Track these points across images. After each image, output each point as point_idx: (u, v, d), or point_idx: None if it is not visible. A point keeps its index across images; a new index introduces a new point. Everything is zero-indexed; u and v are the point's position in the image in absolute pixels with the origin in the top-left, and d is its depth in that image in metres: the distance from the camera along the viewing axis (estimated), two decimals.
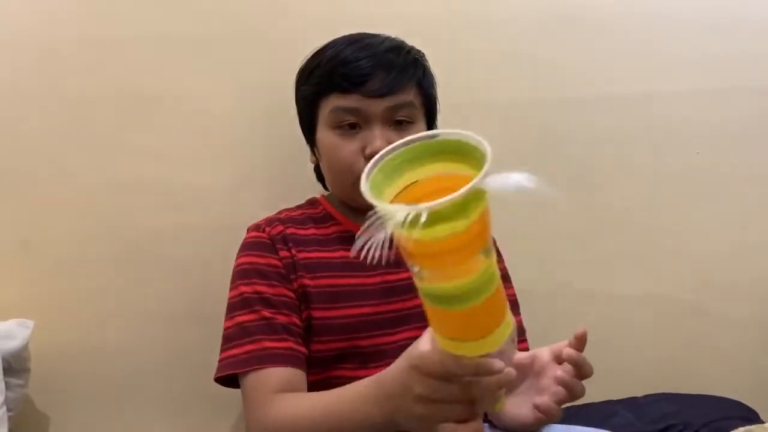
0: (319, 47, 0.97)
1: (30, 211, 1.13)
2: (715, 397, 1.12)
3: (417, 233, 0.50)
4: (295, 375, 0.84)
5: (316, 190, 1.09)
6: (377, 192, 0.56)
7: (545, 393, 0.74)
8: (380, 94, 0.91)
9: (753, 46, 1.23)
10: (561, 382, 0.71)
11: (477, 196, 0.53)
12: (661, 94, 1.23)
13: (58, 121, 1.14)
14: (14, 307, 1.07)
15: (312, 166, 1.06)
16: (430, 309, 0.59)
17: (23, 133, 1.14)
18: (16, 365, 1.02)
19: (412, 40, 1.00)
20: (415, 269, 0.56)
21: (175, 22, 1.16)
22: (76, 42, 1.14)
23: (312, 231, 0.96)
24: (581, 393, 0.73)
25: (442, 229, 0.51)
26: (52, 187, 1.14)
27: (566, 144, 1.22)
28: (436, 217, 0.51)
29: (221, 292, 0.94)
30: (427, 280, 0.56)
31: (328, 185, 1.02)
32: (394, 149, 0.58)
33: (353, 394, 0.74)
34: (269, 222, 0.96)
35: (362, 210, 0.93)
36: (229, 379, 0.87)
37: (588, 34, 1.23)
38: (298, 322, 0.88)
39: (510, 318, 0.61)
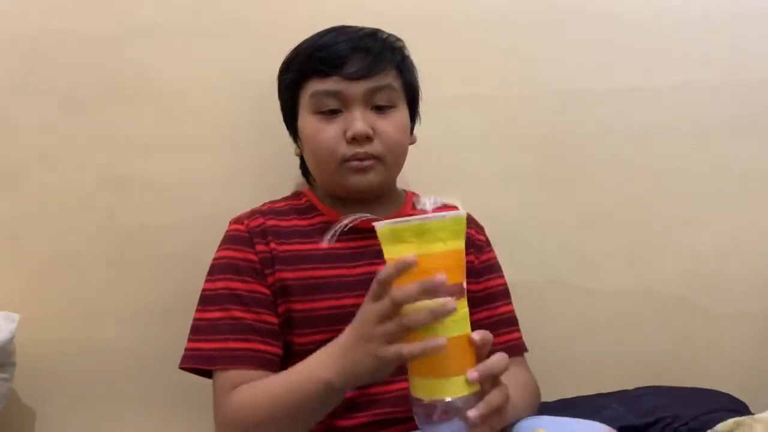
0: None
1: (19, 205, 1.13)
2: (704, 389, 1.13)
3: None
4: (258, 376, 0.86)
5: (303, 183, 1.09)
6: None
7: None
8: (359, 76, 0.91)
9: (747, 40, 1.23)
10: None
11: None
12: (653, 88, 1.23)
13: (46, 115, 1.13)
14: (0, 300, 1.06)
15: (297, 160, 1.06)
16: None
17: (12, 127, 1.13)
18: (1, 359, 1.01)
19: (401, 34, 1.00)
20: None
21: (163, 16, 1.15)
22: (64, 35, 1.13)
23: (294, 222, 0.96)
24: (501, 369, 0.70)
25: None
26: (40, 182, 1.13)
27: (556, 138, 1.22)
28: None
29: None
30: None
31: (311, 173, 1.02)
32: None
33: (306, 364, 0.78)
34: (251, 214, 0.97)
35: (345, 199, 0.96)
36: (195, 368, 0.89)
37: (579, 28, 1.23)
38: (270, 319, 0.89)
39: (475, 386, 0.67)
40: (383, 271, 0.68)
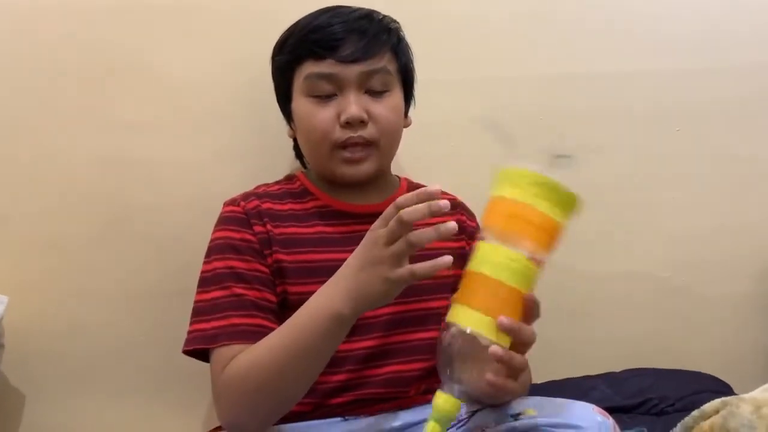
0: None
1: (7, 186, 1.11)
2: (690, 371, 1.15)
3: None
4: None
5: (296, 167, 1.09)
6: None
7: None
8: (354, 59, 0.90)
9: (735, 26, 1.24)
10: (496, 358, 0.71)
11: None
12: (641, 72, 1.23)
13: (35, 95, 1.11)
14: None
15: (291, 142, 1.05)
16: (473, 274, 0.70)
17: (1, 105, 1.11)
18: None
19: (396, 15, 0.99)
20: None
21: None
22: (54, 12, 1.11)
23: (289, 206, 0.95)
24: (521, 365, 0.73)
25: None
26: (29, 162, 1.11)
27: (545, 122, 1.22)
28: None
29: (200, 268, 0.92)
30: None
31: (305, 156, 1.02)
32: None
33: (307, 304, 0.77)
34: (245, 197, 0.95)
35: (339, 184, 0.95)
36: (198, 352, 0.87)
37: (570, 13, 1.22)
38: (271, 297, 0.88)
39: (503, 338, 0.69)
40: (402, 197, 0.70)
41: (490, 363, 0.69)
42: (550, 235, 0.71)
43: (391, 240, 0.69)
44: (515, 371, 0.73)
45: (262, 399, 0.78)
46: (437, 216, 0.68)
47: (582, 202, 0.72)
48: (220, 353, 0.83)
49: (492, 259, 0.70)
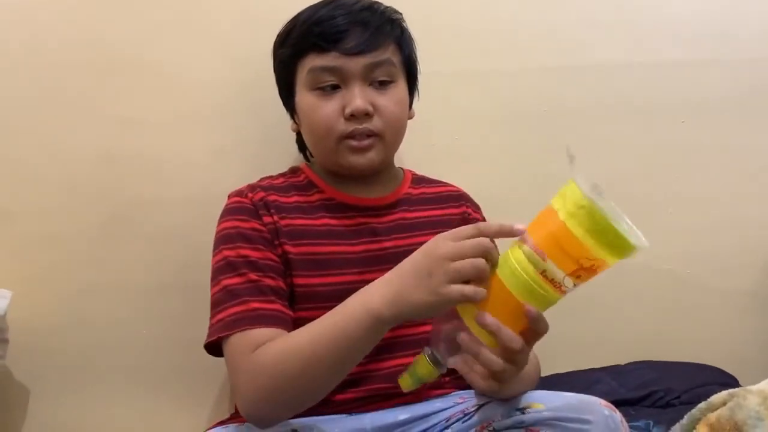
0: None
1: (9, 182, 1.11)
2: (695, 364, 1.15)
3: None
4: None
5: (299, 160, 1.08)
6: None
7: None
8: (357, 51, 0.89)
9: (742, 17, 1.23)
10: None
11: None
12: (646, 64, 1.23)
13: (37, 91, 1.11)
14: None
15: (294, 136, 1.05)
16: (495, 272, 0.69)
17: (1, 105, 1.10)
18: None
19: (399, 6, 0.98)
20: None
21: None
22: (55, 6, 1.10)
23: (295, 198, 0.94)
24: (545, 329, 0.72)
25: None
26: (31, 158, 1.11)
27: (548, 114, 1.21)
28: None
29: (204, 261, 0.92)
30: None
31: (309, 150, 1.01)
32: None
33: (346, 302, 0.75)
34: (251, 188, 0.94)
35: (343, 176, 0.95)
36: (218, 348, 0.85)
37: (575, 4, 1.22)
38: (284, 286, 0.86)
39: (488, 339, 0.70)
40: (487, 224, 0.71)
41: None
42: (586, 270, 0.66)
43: (458, 257, 0.68)
44: (494, 372, 0.71)
45: (294, 387, 0.76)
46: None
47: (637, 250, 0.65)
48: (243, 338, 0.80)
49: (510, 265, 0.68)
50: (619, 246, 0.64)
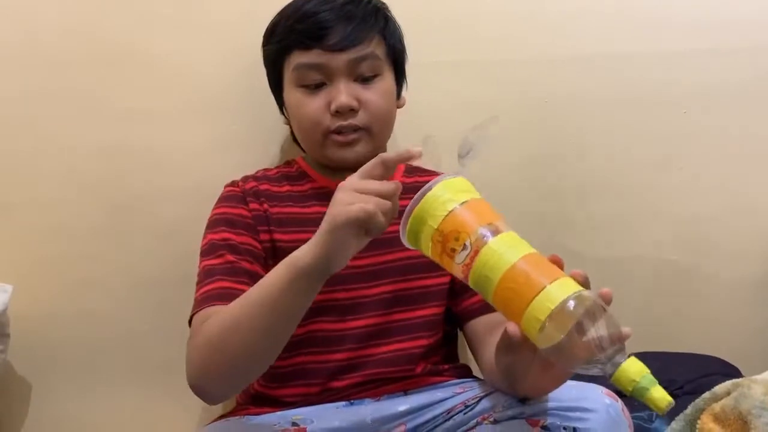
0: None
1: (9, 175, 1.11)
2: (698, 355, 1.14)
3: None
4: None
5: (300, 152, 1.08)
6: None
7: None
8: (341, 48, 0.90)
9: (744, 6, 1.22)
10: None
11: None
12: (647, 54, 1.22)
13: (36, 84, 1.12)
14: None
15: (288, 128, 1.05)
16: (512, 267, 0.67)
17: (1, 95, 1.11)
18: None
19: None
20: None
21: None
22: (53, 1, 1.11)
23: (287, 188, 0.97)
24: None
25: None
26: (31, 152, 1.12)
27: (549, 104, 1.21)
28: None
29: None
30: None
31: (300, 144, 1.02)
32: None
33: (278, 265, 0.74)
34: (245, 179, 0.98)
35: (336, 168, 0.94)
36: None
37: None
38: (261, 272, 0.87)
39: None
40: (387, 153, 0.72)
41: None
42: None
43: (362, 186, 0.69)
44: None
45: (229, 356, 0.75)
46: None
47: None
48: (201, 315, 0.82)
49: (510, 244, 0.67)
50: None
